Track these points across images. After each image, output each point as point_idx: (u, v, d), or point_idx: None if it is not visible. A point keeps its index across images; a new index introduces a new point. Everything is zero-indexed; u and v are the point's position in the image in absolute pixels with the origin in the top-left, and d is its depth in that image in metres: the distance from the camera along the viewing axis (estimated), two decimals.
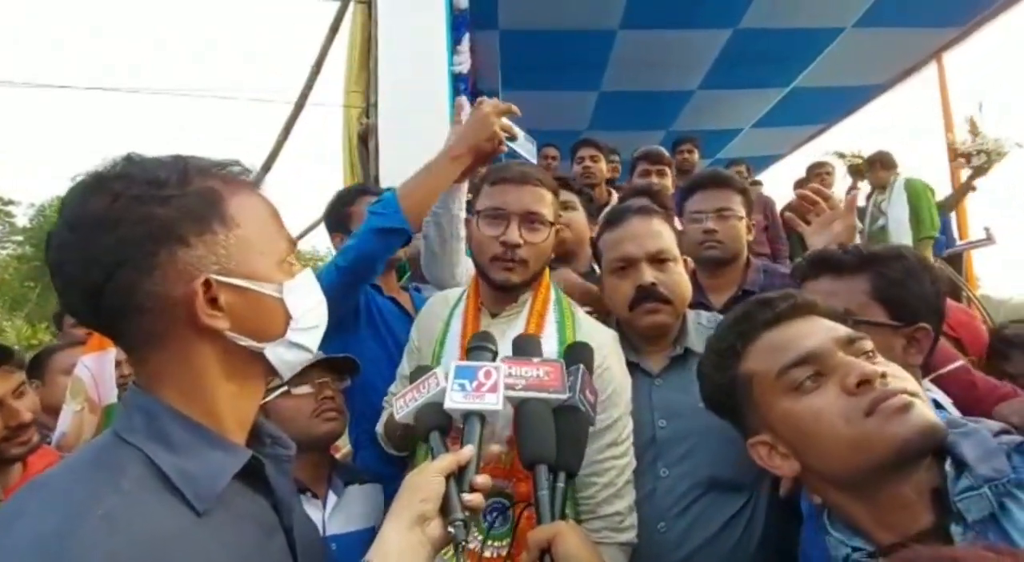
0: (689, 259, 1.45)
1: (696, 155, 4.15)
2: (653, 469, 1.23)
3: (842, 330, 0.80)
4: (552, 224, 1.28)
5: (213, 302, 0.66)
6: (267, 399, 1.34)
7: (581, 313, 1.34)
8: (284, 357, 0.74)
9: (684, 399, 1.28)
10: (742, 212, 1.87)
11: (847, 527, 0.78)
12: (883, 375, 0.73)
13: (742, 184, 1.94)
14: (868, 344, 0.79)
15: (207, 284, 0.66)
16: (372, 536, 1.41)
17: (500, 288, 1.27)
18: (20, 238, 20.40)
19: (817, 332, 0.80)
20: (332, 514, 1.36)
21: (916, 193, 4.53)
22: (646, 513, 1.19)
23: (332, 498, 1.38)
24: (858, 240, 1.41)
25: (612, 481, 1.15)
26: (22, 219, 20.73)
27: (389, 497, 1.49)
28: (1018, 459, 0.70)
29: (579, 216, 2.06)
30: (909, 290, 1.03)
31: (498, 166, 1.35)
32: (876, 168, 4.83)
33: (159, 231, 0.64)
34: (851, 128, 7.39)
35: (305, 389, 1.38)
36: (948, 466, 0.71)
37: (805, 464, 0.78)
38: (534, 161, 1.55)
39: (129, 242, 0.63)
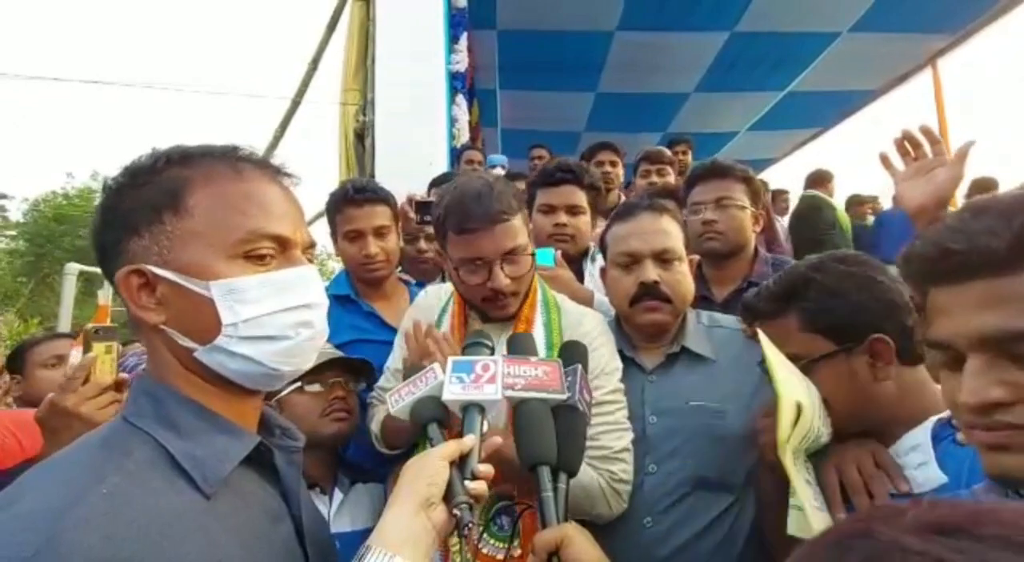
0: (695, 257, 1.42)
1: (690, 157, 4.15)
2: (641, 464, 1.23)
3: None
4: (527, 246, 1.24)
5: (151, 294, 0.66)
6: (282, 394, 1.33)
7: (567, 304, 1.33)
8: (228, 365, 0.67)
9: (676, 397, 1.28)
10: (745, 201, 1.71)
11: None
12: None
13: (744, 172, 1.76)
14: None
15: (139, 274, 0.65)
16: None
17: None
18: (13, 233, 20.22)
19: None
20: (338, 511, 1.35)
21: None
22: (632, 507, 1.20)
23: (338, 495, 1.37)
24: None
25: (605, 445, 1.16)
26: (15, 214, 20.55)
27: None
28: None
29: (584, 222, 1.88)
30: (839, 310, 0.98)
31: (456, 210, 1.19)
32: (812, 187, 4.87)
33: (121, 222, 0.66)
34: (846, 133, 7.45)
35: (316, 387, 1.36)
36: None
37: None
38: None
39: (105, 234, 0.67)
